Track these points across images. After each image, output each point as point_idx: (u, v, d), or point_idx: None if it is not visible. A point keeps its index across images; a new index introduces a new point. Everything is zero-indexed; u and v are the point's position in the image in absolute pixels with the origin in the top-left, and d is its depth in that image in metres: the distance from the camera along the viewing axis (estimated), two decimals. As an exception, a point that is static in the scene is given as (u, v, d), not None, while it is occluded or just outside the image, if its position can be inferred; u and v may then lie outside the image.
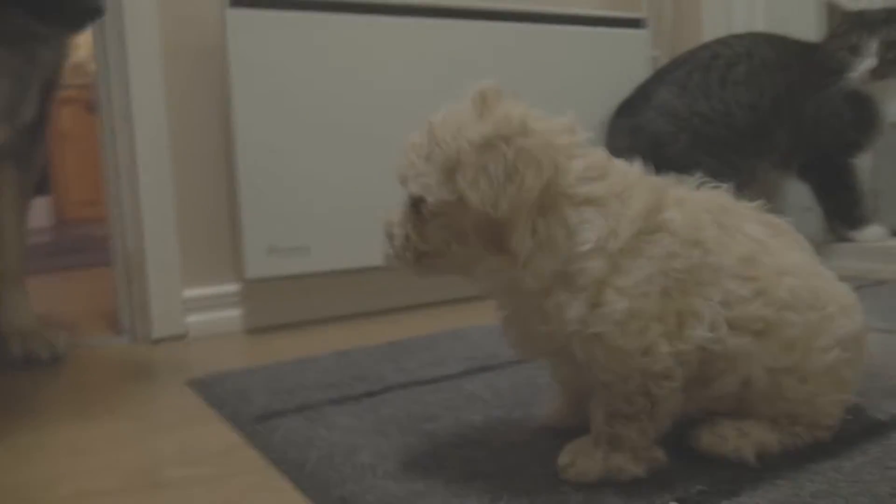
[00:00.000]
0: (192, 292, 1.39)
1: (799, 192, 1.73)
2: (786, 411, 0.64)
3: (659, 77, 1.62)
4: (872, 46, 1.48)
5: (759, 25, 1.76)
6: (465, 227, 0.57)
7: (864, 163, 1.70)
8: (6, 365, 1.16)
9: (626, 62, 1.72)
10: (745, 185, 1.58)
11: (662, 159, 1.52)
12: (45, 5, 1.01)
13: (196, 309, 1.39)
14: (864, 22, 1.51)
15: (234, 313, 1.41)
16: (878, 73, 1.48)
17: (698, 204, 0.63)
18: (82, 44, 1.47)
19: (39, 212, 3.96)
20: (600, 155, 0.61)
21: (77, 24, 1.05)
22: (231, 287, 1.42)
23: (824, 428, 0.66)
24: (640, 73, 1.71)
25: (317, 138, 1.39)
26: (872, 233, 1.62)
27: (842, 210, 1.65)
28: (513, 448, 0.71)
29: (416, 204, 0.59)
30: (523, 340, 0.64)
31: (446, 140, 0.57)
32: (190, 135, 1.38)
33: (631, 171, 0.62)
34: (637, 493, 0.59)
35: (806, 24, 1.73)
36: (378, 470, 0.68)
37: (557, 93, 1.60)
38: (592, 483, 0.60)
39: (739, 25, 1.77)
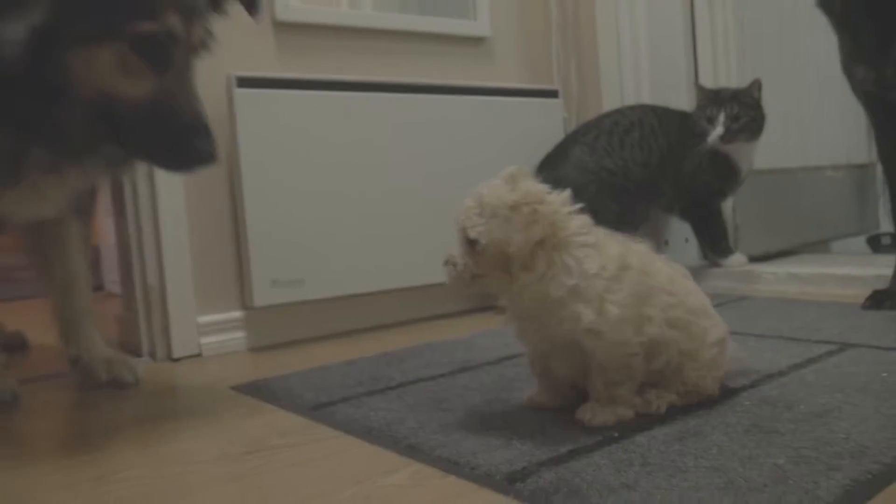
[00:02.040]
0: (204, 318, 1.67)
1: (680, 228, 2.19)
2: (685, 382, 1.02)
3: (573, 139, 2.04)
4: (721, 118, 1.95)
5: (645, 97, 2.22)
6: (502, 258, 0.93)
7: (727, 204, 2.19)
8: (92, 388, 1.39)
9: (545, 124, 2.14)
10: (640, 224, 2.02)
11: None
12: (163, 153, 1.09)
13: (208, 332, 1.67)
14: (716, 98, 1.99)
15: (239, 335, 1.71)
16: (726, 139, 1.95)
17: (634, 245, 1.01)
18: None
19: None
20: (584, 217, 0.98)
21: (190, 170, 1.11)
22: (237, 313, 1.71)
23: (707, 394, 1.05)
24: (556, 132, 2.13)
25: (309, 193, 1.72)
26: (735, 260, 2.10)
27: (712, 242, 2.12)
28: (512, 413, 1.06)
29: (471, 243, 0.94)
30: (535, 337, 0.99)
31: (492, 202, 0.92)
32: (203, 190, 1.67)
33: (597, 230, 0.99)
34: (598, 430, 0.96)
35: (680, 98, 2.20)
36: (425, 429, 1.01)
37: (493, 149, 2.00)
38: (609, 426, 0.95)
39: (630, 95, 2.22)
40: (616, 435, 0.93)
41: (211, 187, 1.68)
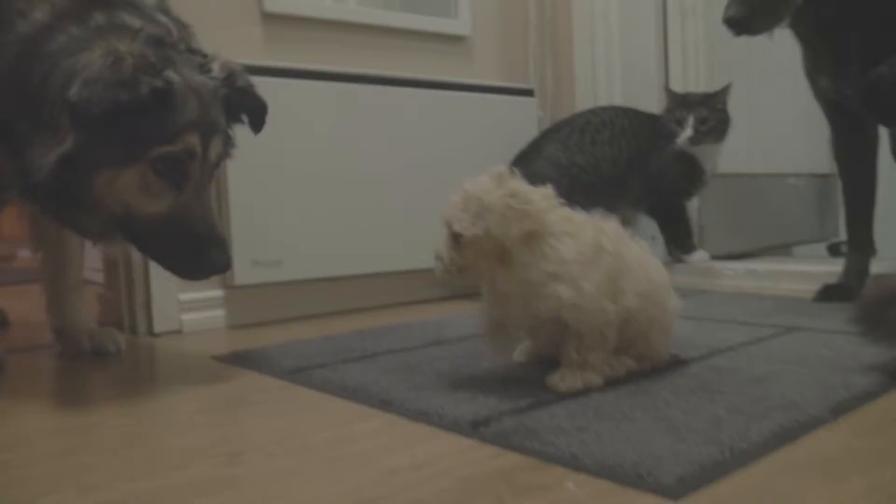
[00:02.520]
0: (185, 296, 1.72)
1: (647, 225, 2.29)
2: (650, 346, 1.11)
3: (546, 136, 2.12)
4: (689, 120, 2.05)
5: (617, 98, 2.31)
6: (486, 250, 1.00)
7: (692, 204, 2.28)
8: (75, 356, 1.44)
9: (521, 121, 2.22)
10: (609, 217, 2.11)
11: (549, 198, 2.03)
12: (179, 263, 1.18)
13: (189, 309, 1.73)
14: (685, 102, 2.09)
15: (219, 313, 1.76)
16: (694, 140, 2.05)
17: (607, 228, 1.09)
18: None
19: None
20: (564, 208, 1.06)
21: (204, 278, 1.23)
22: (217, 292, 1.76)
23: (661, 358, 1.13)
24: (530, 129, 2.22)
25: (291, 177, 1.78)
26: (699, 256, 2.19)
27: (677, 239, 2.21)
28: (479, 377, 1.14)
29: (455, 237, 1.01)
30: (518, 315, 1.06)
31: (477, 198, 1.00)
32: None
33: (575, 215, 1.07)
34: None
35: (650, 101, 2.29)
36: (397, 388, 1.08)
37: (470, 143, 2.08)
38: (577, 392, 1.02)
39: (603, 96, 2.31)
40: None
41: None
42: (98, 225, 1.16)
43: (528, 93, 2.26)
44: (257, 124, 1.33)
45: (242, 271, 1.73)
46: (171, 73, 1.07)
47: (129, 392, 1.21)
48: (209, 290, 1.75)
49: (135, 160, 1.08)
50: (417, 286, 2.03)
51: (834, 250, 2.97)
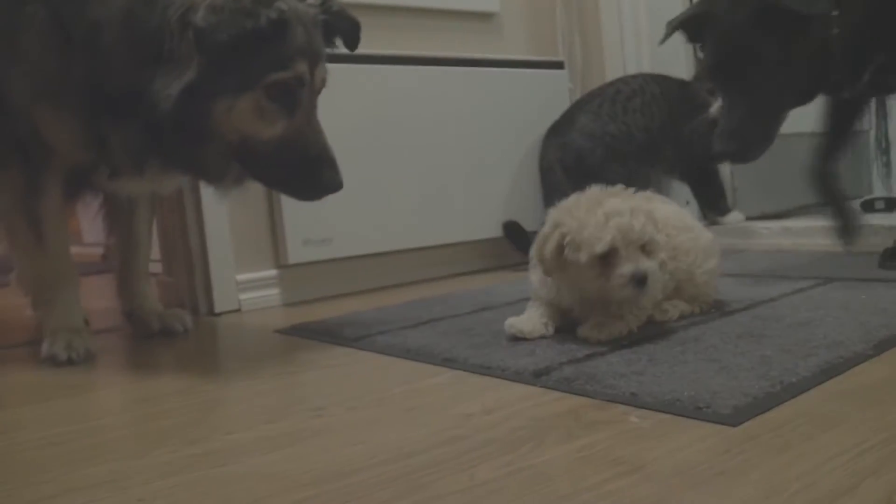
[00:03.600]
0: (242, 276, 1.81)
1: (680, 191, 2.32)
2: (693, 294, 1.18)
3: (578, 107, 2.17)
4: (725, 89, 2.07)
5: (646, 66, 2.34)
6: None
7: (726, 168, 2.31)
8: (145, 336, 1.52)
9: (552, 94, 2.27)
10: (644, 186, 2.15)
11: (584, 168, 2.09)
12: (295, 185, 1.23)
13: (246, 289, 1.81)
14: (717, 68, 2.11)
15: (274, 291, 1.85)
16: (729, 109, 2.08)
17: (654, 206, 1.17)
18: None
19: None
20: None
21: (319, 198, 1.26)
22: (272, 271, 1.85)
23: (710, 300, 1.21)
24: (562, 102, 2.26)
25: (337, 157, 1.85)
26: (734, 217, 2.23)
27: (711, 202, 2.25)
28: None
29: (647, 246, 1.08)
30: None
31: (646, 210, 1.10)
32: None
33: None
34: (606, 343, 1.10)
35: (678, 69, 2.32)
36: (458, 348, 1.15)
37: (503, 118, 2.13)
38: (613, 338, 1.09)
39: (632, 66, 2.35)
40: (625, 343, 1.07)
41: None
42: (215, 159, 1.18)
43: (558, 65, 2.31)
44: (353, 43, 1.35)
45: (294, 250, 1.81)
46: (281, 3, 1.10)
47: (206, 363, 1.29)
48: (264, 270, 1.84)
49: (250, 87, 1.12)
50: (461, 259, 2.10)
51: (868, 207, 2.98)
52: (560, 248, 1.08)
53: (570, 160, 2.12)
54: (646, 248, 1.07)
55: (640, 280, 1.04)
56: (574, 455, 0.71)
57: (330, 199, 1.85)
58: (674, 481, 0.63)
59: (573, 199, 1.15)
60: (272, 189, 1.27)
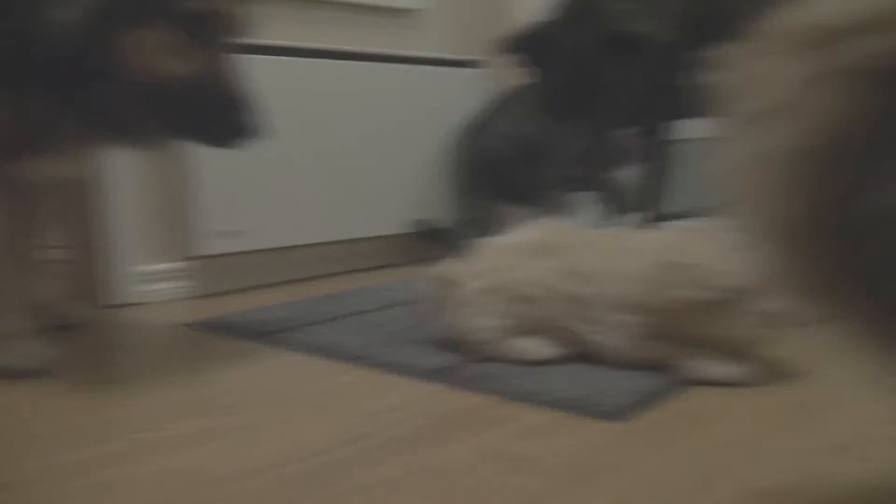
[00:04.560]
0: (148, 268, 1.78)
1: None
2: None
3: (493, 109, 2.22)
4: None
5: (558, 69, 2.42)
6: None
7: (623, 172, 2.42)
8: (42, 332, 1.40)
9: (470, 93, 2.32)
10: (555, 187, 2.24)
11: (495, 168, 2.15)
12: (208, 129, 1.12)
13: (152, 281, 1.78)
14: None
15: (183, 284, 1.82)
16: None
17: None
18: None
19: None
20: None
21: (235, 145, 1.14)
22: (180, 263, 1.82)
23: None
24: (477, 101, 2.31)
25: (251, 153, 1.84)
26: (633, 218, 2.34)
27: (615, 203, 2.36)
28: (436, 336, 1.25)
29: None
30: None
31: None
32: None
33: None
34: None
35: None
36: (369, 345, 1.18)
37: (421, 115, 2.17)
38: None
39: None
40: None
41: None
42: (128, 108, 1.06)
43: (476, 64, 2.35)
44: None
45: (205, 242, 1.79)
46: None
47: (110, 359, 1.28)
48: (172, 262, 1.81)
49: (161, 16, 1.03)
50: (373, 253, 2.13)
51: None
52: None
53: (482, 160, 2.18)
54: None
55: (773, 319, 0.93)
56: (474, 452, 0.75)
57: (244, 191, 1.86)
58: (564, 475, 0.69)
59: None
60: (186, 139, 1.17)
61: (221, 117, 1.11)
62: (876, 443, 0.72)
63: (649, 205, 1.80)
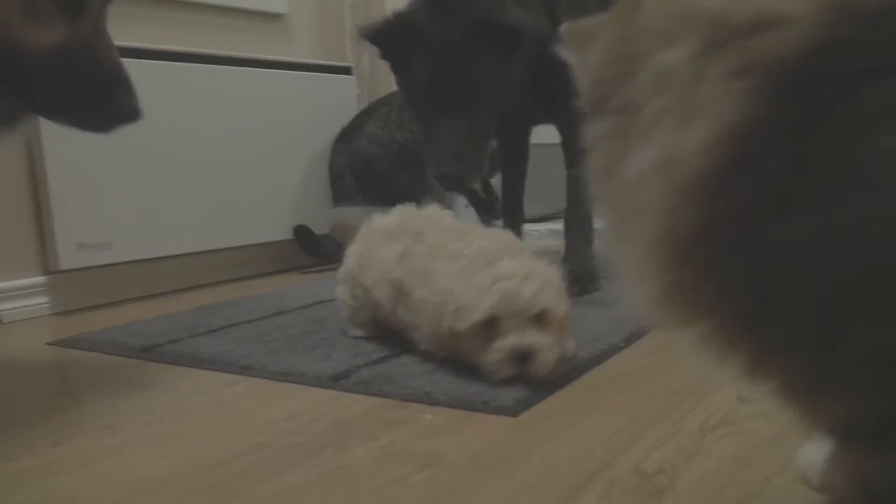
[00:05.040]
0: (3, 284, 1.65)
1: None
2: None
3: (367, 113, 2.23)
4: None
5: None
6: None
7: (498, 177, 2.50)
8: None
9: (340, 99, 2.31)
10: (429, 192, 2.27)
11: (372, 173, 2.17)
12: (78, 110, 0.98)
13: (7, 298, 1.66)
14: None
15: (42, 300, 1.70)
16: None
17: None
18: None
19: None
20: None
21: (110, 129, 1.01)
22: (38, 278, 1.70)
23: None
24: (350, 107, 2.31)
25: (110, 159, 1.75)
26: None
27: (486, 206, 2.43)
28: (329, 339, 1.24)
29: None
30: None
31: None
32: None
33: None
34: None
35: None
36: (254, 355, 1.16)
37: (291, 121, 2.14)
38: None
39: (416, 75, 2.46)
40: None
41: (5, 148, 1.66)
42: None
43: (346, 70, 2.35)
44: None
45: (66, 255, 1.68)
46: None
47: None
48: (28, 277, 1.69)
49: None
50: (250, 261, 2.08)
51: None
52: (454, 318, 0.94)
53: (359, 166, 2.18)
54: (540, 320, 0.92)
55: (521, 358, 0.90)
56: (377, 453, 0.76)
57: (109, 201, 1.76)
58: (468, 469, 0.71)
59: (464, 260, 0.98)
60: (48, 118, 1.00)
61: (92, 98, 0.97)
62: (743, 420, 0.79)
63: (512, 208, 1.86)
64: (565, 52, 0.54)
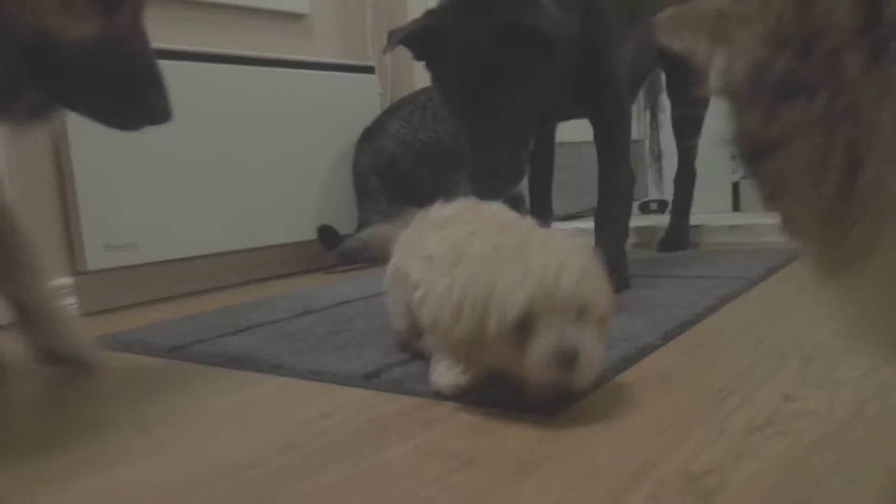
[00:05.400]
0: (32, 286, 1.65)
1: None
2: None
3: (390, 113, 2.22)
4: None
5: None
6: None
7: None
8: None
9: (363, 99, 2.30)
10: (452, 192, 2.25)
11: (396, 173, 2.15)
12: (109, 107, 0.96)
13: (37, 299, 1.66)
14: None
15: (70, 301, 1.71)
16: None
17: None
18: None
19: None
20: None
21: (140, 127, 0.99)
22: (67, 279, 1.71)
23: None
24: (373, 107, 2.30)
25: (139, 158, 1.75)
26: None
27: (511, 205, 2.40)
28: (358, 338, 1.22)
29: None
30: None
31: None
32: (25, 155, 1.65)
33: None
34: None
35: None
36: (283, 354, 1.15)
37: (314, 121, 2.13)
38: None
39: (439, 74, 2.44)
40: (448, 343, 1.13)
41: (33, 151, 1.67)
42: (4, 67, 0.90)
43: (368, 70, 2.34)
44: None
45: (93, 256, 1.69)
46: None
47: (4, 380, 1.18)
48: (59, 278, 1.69)
49: None
50: (274, 262, 2.07)
51: (644, 208, 3.34)
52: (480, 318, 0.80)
53: (382, 165, 2.17)
54: (581, 314, 0.80)
55: (566, 358, 0.77)
56: (412, 452, 0.74)
57: (135, 202, 1.76)
58: (506, 470, 0.69)
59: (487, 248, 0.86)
60: (77, 112, 0.97)
61: (123, 95, 0.95)
62: (791, 419, 0.76)
63: (541, 205, 1.83)
64: (668, 40, 0.50)
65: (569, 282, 0.78)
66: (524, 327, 0.78)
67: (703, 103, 1.92)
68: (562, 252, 0.82)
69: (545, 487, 0.65)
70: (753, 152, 0.44)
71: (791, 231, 0.46)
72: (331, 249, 2.09)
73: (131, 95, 0.95)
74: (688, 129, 2.00)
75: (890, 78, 0.37)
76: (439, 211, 1.08)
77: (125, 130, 1.00)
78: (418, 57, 1.41)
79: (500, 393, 0.88)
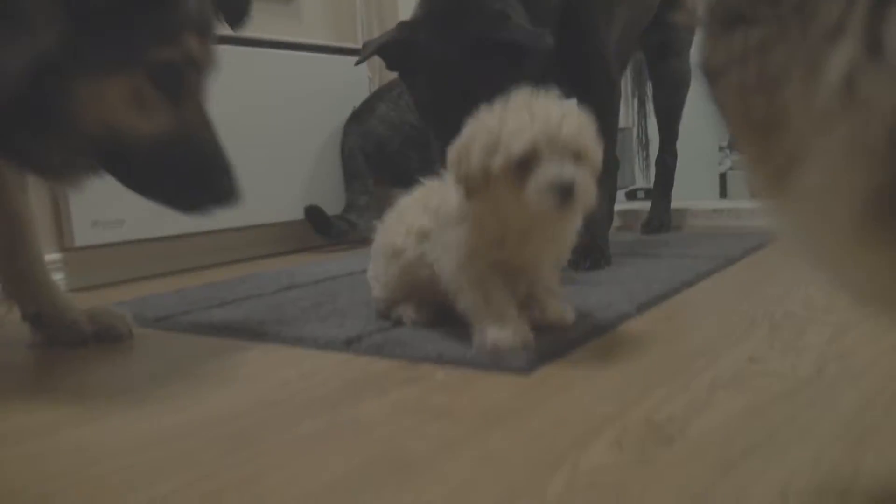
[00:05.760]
0: (20, 260, 1.67)
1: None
2: None
3: (378, 95, 2.24)
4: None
5: (441, 59, 2.47)
6: None
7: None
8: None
9: (351, 81, 2.32)
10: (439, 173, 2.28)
11: (384, 155, 2.17)
12: (182, 194, 0.98)
13: (25, 274, 1.68)
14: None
15: (58, 276, 1.72)
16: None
17: None
18: None
19: None
20: None
21: (211, 212, 1.02)
22: (55, 255, 1.72)
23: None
24: (361, 89, 2.32)
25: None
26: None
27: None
28: (341, 309, 1.25)
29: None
30: None
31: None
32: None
33: None
34: (413, 314, 1.18)
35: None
36: (267, 323, 1.17)
37: (303, 102, 2.15)
38: None
39: (427, 58, 2.46)
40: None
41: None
42: (61, 153, 0.92)
43: (357, 52, 2.35)
44: (239, 17, 1.10)
45: (81, 232, 1.71)
46: None
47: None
48: (47, 254, 1.70)
49: (128, 66, 0.87)
50: (261, 241, 2.09)
51: (631, 195, 3.37)
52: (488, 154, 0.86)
53: (370, 147, 2.19)
54: (578, 157, 0.87)
55: (564, 190, 0.83)
56: (389, 406, 0.77)
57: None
58: (479, 420, 0.72)
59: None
60: (147, 197, 1.00)
61: (194, 183, 0.98)
62: (753, 378, 0.79)
63: None
64: None
65: (569, 128, 0.86)
66: (527, 164, 0.85)
67: (684, 84, 1.95)
68: (564, 107, 0.90)
69: (514, 436, 0.68)
70: (707, 79, 0.48)
71: (741, 153, 0.49)
72: (318, 230, 2.11)
73: (201, 183, 0.98)
74: (668, 112, 2.03)
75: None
76: (422, 190, 1.11)
77: (195, 214, 1.02)
78: (391, 67, 1.42)
79: (479, 355, 0.91)
